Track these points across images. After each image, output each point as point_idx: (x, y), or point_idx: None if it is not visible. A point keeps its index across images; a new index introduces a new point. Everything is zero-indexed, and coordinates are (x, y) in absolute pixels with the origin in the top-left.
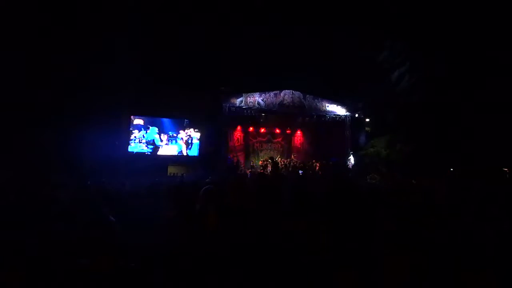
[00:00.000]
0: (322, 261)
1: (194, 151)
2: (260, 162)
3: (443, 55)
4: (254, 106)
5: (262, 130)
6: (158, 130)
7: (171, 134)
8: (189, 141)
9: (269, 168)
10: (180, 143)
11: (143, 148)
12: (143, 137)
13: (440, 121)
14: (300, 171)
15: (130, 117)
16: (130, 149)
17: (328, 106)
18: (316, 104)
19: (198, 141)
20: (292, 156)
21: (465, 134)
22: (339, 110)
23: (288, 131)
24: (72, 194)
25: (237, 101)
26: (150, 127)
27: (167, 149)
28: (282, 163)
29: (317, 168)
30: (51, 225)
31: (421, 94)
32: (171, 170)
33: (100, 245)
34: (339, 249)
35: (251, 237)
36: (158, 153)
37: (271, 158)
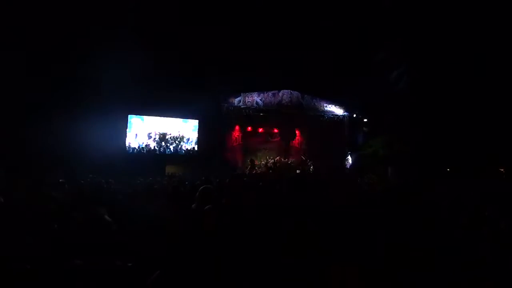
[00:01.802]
0: (322, 259)
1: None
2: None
3: (441, 55)
4: (252, 105)
5: (260, 130)
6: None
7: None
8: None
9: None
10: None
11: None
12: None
13: (438, 121)
14: (297, 171)
15: (127, 116)
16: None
17: (326, 106)
18: (314, 104)
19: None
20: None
21: (462, 134)
22: (337, 110)
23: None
24: (68, 193)
25: (236, 101)
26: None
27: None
28: (280, 162)
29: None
30: (47, 225)
31: (419, 94)
32: (169, 169)
33: (97, 245)
34: (339, 247)
35: (249, 235)
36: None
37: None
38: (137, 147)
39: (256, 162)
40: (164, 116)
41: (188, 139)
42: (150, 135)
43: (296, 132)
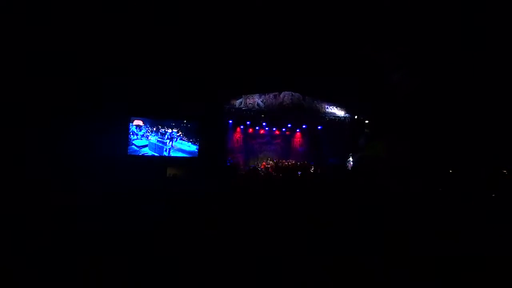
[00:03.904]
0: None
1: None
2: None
3: (443, 57)
4: (253, 107)
5: (262, 131)
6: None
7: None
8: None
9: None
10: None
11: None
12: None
13: (440, 122)
14: (299, 172)
15: (129, 118)
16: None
17: (327, 107)
18: (315, 105)
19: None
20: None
21: (465, 136)
22: (339, 112)
23: (287, 133)
24: (69, 197)
25: (237, 102)
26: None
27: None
28: (281, 164)
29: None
30: (49, 225)
31: (421, 95)
32: (170, 171)
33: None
34: (340, 245)
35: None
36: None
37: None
38: (137, 148)
39: (264, 165)
40: (165, 118)
41: (189, 141)
42: (150, 131)
43: (297, 133)
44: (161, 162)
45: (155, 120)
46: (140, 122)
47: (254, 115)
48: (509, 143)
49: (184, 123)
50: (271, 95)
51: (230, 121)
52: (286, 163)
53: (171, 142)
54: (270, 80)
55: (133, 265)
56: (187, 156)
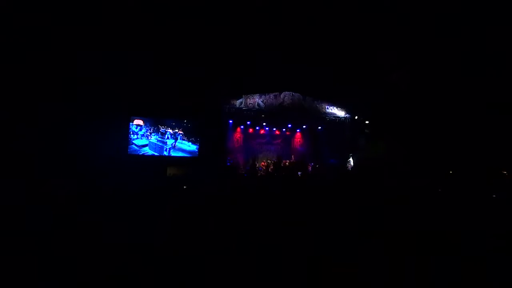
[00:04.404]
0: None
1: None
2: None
3: (442, 56)
4: (254, 107)
5: (262, 131)
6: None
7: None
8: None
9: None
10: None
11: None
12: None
13: (440, 123)
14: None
15: (129, 117)
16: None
17: (328, 108)
18: (316, 106)
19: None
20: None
21: (465, 136)
22: (339, 112)
23: (287, 133)
24: (70, 195)
25: (237, 103)
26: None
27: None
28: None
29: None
30: (49, 226)
31: (421, 95)
32: (171, 171)
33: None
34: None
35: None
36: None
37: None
38: (137, 148)
39: (263, 164)
40: (165, 118)
41: (189, 140)
42: (150, 131)
43: (298, 134)
44: (161, 162)
45: (155, 119)
46: (140, 122)
47: (254, 115)
48: (509, 143)
49: (185, 122)
50: (272, 95)
51: (230, 121)
52: (286, 163)
53: (174, 142)
54: (270, 80)
55: (134, 264)
56: (187, 155)
